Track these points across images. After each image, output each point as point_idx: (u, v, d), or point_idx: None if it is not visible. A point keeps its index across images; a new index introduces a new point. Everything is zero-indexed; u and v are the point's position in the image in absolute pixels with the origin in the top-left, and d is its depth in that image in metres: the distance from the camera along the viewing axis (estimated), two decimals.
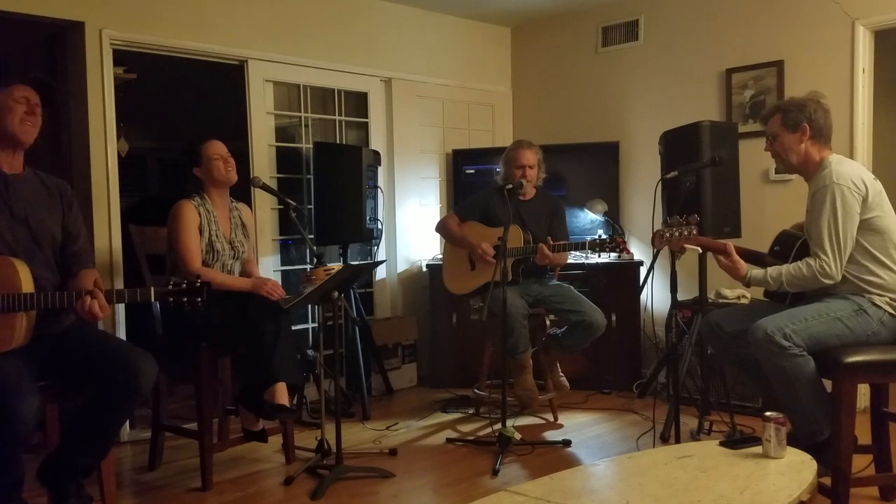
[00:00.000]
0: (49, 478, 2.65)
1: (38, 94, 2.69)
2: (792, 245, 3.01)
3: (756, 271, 2.93)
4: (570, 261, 4.39)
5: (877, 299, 2.83)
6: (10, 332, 2.51)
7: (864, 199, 2.82)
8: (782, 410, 2.65)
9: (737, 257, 2.97)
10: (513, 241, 3.99)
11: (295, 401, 3.35)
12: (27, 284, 2.54)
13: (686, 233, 3.05)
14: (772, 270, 2.90)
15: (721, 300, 4.23)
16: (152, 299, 2.62)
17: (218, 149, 3.53)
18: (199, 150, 3.51)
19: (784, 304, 2.99)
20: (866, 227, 2.83)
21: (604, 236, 3.91)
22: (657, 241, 3.13)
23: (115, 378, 2.57)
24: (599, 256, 3.86)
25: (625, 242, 3.88)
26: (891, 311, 2.82)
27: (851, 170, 2.86)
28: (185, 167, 3.55)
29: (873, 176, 2.92)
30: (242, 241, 3.62)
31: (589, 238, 3.96)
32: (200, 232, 3.43)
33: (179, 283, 2.63)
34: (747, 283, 2.95)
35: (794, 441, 2.54)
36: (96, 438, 2.66)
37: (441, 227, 4.40)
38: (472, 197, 4.51)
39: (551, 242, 3.92)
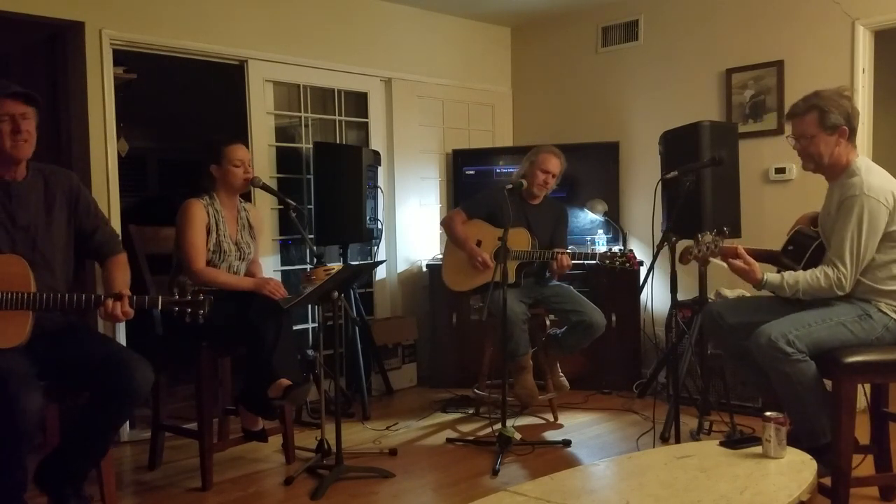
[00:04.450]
0: (46, 481, 2.64)
1: (29, 102, 2.60)
2: (807, 246, 2.96)
3: (772, 276, 2.87)
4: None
5: (884, 306, 2.81)
6: (20, 328, 2.52)
7: (891, 213, 2.77)
8: (784, 412, 2.64)
9: (751, 259, 2.90)
10: (520, 243, 4.00)
11: None
12: (34, 283, 2.56)
13: (714, 246, 2.97)
14: (788, 277, 2.84)
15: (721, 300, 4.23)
16: (159, 308, 2.64)
17: (241, 154, 3.53)
18: (222, 150, 3.49)
19: (788, 299, 2.96)
20: (889, 238, 2.79)
21: (615, 248, 3.90)
22: (685, 257, 3.08)
23: (110, 382, 2.57)
24: (607, 266, 3.85)
25: (635, 257, 3.87)
26: None
27: (882, 182, 2.80)
28: (203, 161, 3.53)
29: None
30: (248, 243, 3.61)
31: (598, 246, 3.95)
32: (209, 232, 3.43)
33: (185, 294, 2.65)
34: (762, 287, 2.89)
35: (794, 441, 2.53)
36: (94, 441, 2.66)
37: (446, 225, 4.39)
38: (481, 194, 4.48)
39: (564, 254, 3.93)
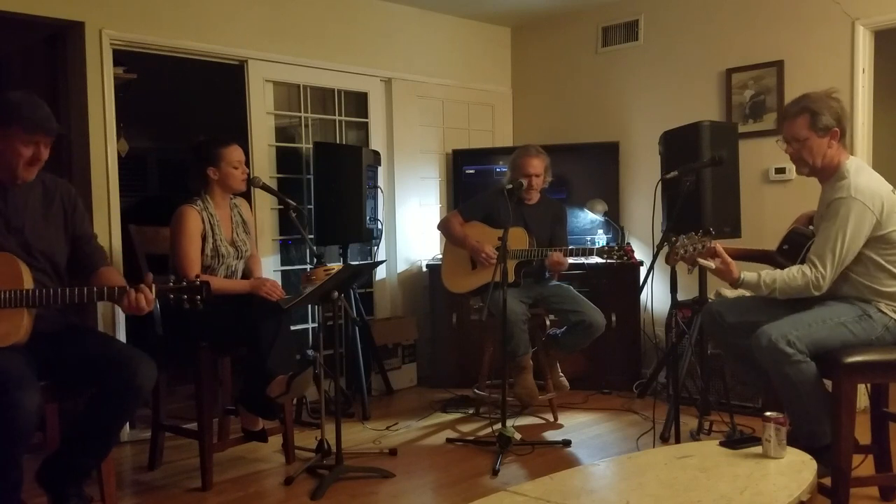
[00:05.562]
0: (48, 480, 2.64)
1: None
2: (802, 245, 2.95)
3: (749, 275, 2.86)
4: (570, 261, 4.39)
5: (883, 306, 2.81)
6: (17, 326, 2.52)
7: (880, 216, 2.75)
8: (785, 413, 2.64)
9: (728, 258, 2.88)
10: (518, 242, 4.00)
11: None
12: (28, 281, 2.56)
13: (700, 247, 2.94)
14: (766, 276, 2.84)
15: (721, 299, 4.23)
16: (154, 296, 2.63)
17: (239, 155, 3.53)
18: (218, 153, 3.48)
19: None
20: (882, 241, 2.78)
21: (612, 243, 3.91)
22: (672, 257, 3.07)
23: (113, 380, 2.57)
24: (606, 261, 3.86)
25: (633, 251, 3.87)
26: None
27: (870, 184, 2.79)
28: (194, 163, 3.50)
29: (891, 188, 2.85)
30: (244, 240, 3.61)
31: (597, 245, 3.97)
32: (204, 238, 3.41)
33: (180, 281, 2.66)
34: (738, 286, 2.89)
35: (793, 442, 2.53)
36: (96, 440, 2.66)
37: (443, 227, 4.40)
38: (477, 197, 4.50)
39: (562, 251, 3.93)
